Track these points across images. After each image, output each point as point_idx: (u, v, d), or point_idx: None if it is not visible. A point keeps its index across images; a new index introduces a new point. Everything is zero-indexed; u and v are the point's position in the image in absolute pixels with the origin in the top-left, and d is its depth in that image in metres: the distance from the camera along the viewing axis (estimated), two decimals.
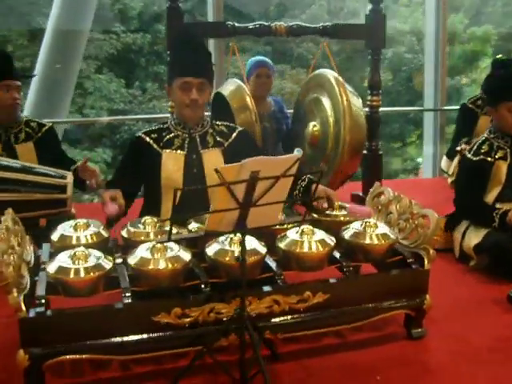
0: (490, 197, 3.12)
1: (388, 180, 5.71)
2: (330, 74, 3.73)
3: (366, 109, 3.98)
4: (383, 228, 2.39)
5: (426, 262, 2.34)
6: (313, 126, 3.80)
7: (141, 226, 2.33)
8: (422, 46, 16.43)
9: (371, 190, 2.82)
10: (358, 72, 17.24)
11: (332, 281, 2.24)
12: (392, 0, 17.42)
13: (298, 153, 2.08)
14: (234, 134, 2.76)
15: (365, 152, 4.07)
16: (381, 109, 4.05)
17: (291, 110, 4.18)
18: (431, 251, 2.35)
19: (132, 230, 2.32)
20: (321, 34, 3.78)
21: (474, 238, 3.07)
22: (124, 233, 2.33)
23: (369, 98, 3.97)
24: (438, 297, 2.75)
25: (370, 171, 4.06)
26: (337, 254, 2.32)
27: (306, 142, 3.86)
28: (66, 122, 7.99)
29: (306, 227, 2.27)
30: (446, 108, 5.27)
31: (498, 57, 4.35)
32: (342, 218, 2.53)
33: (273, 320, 2.13)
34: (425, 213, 2.41)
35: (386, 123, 13.37)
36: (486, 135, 3.21)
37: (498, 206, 3.07)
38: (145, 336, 1.99)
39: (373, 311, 2.27)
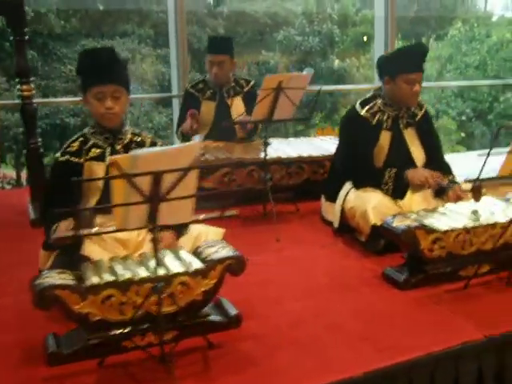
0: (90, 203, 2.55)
1: None
2: None
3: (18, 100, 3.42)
4: None
5: None
6: None
7: None
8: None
9: None
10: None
11: None
12: None
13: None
14: None
15: (25, 151, 3.52)
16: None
17: None
18: None
19: None
20: None
21: None
22: None
23: (18, 87, 3.38)
24: None
25: (33, 172, 3.50)
26: None
27: None
28: None
29: None
30: None
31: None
32: None
33: None
34: None
35: None
36: (86, 130, 2.61)
37: (98, 219, 2.52)
38: None
39: None
